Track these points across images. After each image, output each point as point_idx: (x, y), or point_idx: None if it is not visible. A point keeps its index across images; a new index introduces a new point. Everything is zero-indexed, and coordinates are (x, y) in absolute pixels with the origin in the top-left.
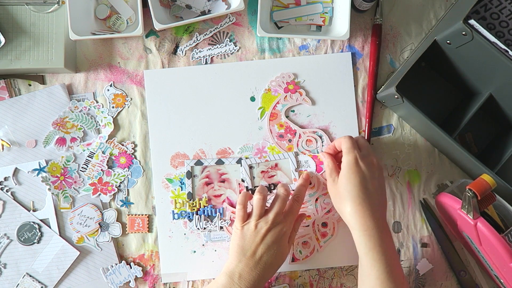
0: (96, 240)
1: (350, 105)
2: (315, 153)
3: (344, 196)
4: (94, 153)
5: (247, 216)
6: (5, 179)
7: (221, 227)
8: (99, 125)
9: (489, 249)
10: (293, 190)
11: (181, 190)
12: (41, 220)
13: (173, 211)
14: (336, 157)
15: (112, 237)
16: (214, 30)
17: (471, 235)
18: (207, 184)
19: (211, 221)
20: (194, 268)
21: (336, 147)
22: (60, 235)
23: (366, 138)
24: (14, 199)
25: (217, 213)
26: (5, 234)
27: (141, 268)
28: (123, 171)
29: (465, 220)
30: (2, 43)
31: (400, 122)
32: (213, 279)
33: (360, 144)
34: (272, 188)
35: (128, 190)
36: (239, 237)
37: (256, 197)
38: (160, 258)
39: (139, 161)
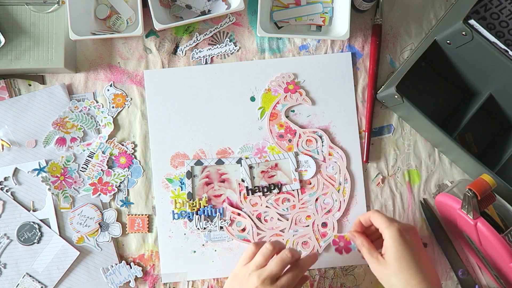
0: (96, 240)
1: (350, 105)
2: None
3: (400, 276)
4: (94, 153)
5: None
6: (5, 179)
7: (221, 227)
8: (99, 125)
9: (489, 249)
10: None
11: (181, 190)
12: (41, 220)
13: (173, 211)
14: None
15: (112, 237)
16: (214, 30)
17: (471, 235)
18: (207, 184)
19: (211, 221)
20: (194, 268)
21: (363, 223)
22: (60, 235)
23: (366, 138)
24: (14, 199)
25: (217, 213)
26: (5, 234)
27: (141, 268)
28: (123, 171)
29: (465, 220)
30: (2, 43)
31: (400, 122)
32: (213, 279)
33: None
34: (272, 188)
35: (128, 190)
36: (232, 278)
37: (266, 246)
38: (160, 258)
39: (139, 161)
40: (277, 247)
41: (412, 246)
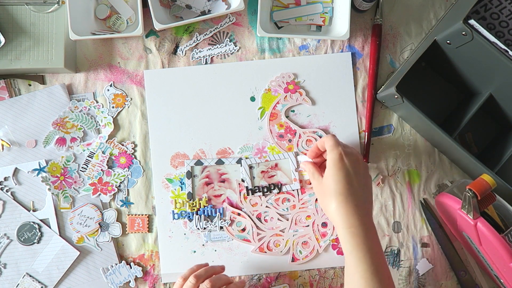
0: (96, 240)
1: (350, 105)
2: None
3: (329, 193)
4: (94, 153)
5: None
6: (5, 179)
7: (221, 227)
8: (99, 125)
9: (489, 249)
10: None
11: (181, 190)
12: (41, 220)
13: (173, 211)
14: (321, 158)
15: (112, 237)
16: (214, 30)
17: (471, 235)
18: (207, 184)
19: (211, 221)
20: None
21: (319, 148)
22: (60, 235)
23: (366, 138)
24: (14, 199)
25: (217, 213)
26: (5, 234)
27: (141, 268)
28: (123, 171)
29: (465, 220)
30: (2, 43)
31: (400, 122)
32: None
33: (344, 143)
34: (272, 188)
35: (128, 190)
36: None
37: (190, 280)
38: (160, 258)
39: (139, 161)
40: (204, 277)
41: (347, 170)
